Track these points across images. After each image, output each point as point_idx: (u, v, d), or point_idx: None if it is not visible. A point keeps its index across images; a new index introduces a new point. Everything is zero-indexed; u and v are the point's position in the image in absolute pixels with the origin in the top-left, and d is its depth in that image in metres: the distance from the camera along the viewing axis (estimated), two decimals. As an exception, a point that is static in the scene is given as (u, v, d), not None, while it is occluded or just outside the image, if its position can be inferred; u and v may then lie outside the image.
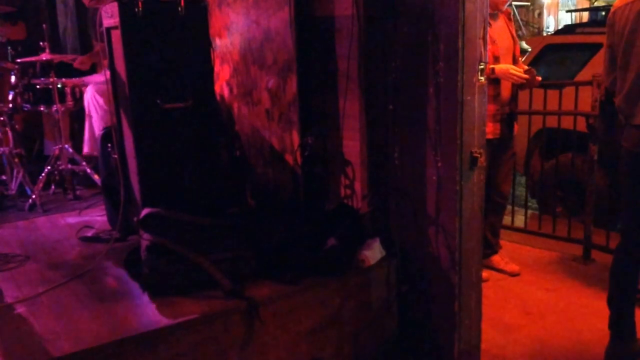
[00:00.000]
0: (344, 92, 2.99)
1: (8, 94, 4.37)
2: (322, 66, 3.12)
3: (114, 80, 3.20)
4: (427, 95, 2.56)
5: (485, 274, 3.26)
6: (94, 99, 4.24)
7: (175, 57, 2.91)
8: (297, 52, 3.11)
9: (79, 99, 4.42)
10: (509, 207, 4.29)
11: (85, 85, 4.42)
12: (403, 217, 2.83)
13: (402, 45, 2.67)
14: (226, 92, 3.90)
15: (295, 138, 3.22)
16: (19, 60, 4.35)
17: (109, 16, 3.01)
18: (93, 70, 4.72)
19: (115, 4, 2.79)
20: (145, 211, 2.74)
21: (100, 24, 3.16)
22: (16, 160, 4.23)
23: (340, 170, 3.12)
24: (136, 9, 2.78)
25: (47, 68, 4.29)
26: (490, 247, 3.80)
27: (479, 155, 2.50)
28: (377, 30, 2.77)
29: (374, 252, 2.77)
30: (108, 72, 3.25)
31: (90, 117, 4.32)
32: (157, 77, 2.88)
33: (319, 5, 3.08)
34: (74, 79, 4.44)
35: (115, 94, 3.21)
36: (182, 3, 2.86)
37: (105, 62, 3.26)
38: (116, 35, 2.96)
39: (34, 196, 4.04)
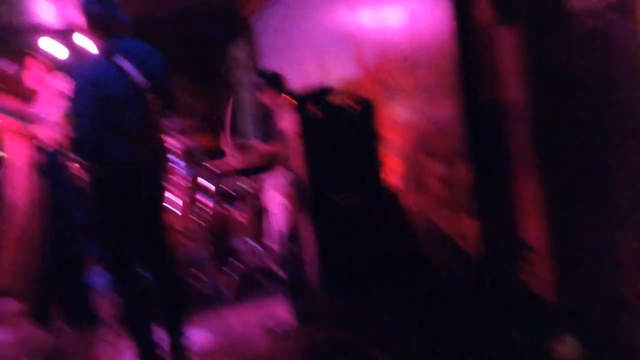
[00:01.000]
0: (519, 175, 2.90)
1: (201, 196, 4.83)
2: (494, 151, 3.07)
3: (294, 179, 3.41)
4: (615, 172, 2.40)
5: None
6: (275, 198, 4.53)
7: (349, 154, 3.06)
8: (467, 138, 3.10)
9: (262, 198, 4.76)
10: None
11: (267, 185, 4.75)
12: (596, 307, 2.60)
13: (580, 123, 2.55)
14: (397, 182, 3.96)
15: (470, 224, 3.16)
16: (210, 166, 4.83)
17: (288, 119, 3.27)
18: (272, 168, 5.08)
19: (293, 110, 3.03)
20: (327, 304, 2.81)
21: (279, 126, 3.44)
22: (208, 256, 4.59)
23: (520, 256, 2.97)
24: (312, 112, 3.01)
25: (233, 172, 4.72)
26: None
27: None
28: (549, 110, 2.68)
29: (565, 347, 2.55)
30: (288, 172, 3.48)
31: (273, 214, 4.61)
32: (333, 174, 3.04)
33: (487, 90, 3.07)
34: (256, 178, 4.82)
35: (295, 192, 3.41)
36: (354, 105, 3.03)
37: (286, 162, 3.51)
38: (293, 138, 3.19)
39: (223, 290, 4.33)
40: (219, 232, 5.52)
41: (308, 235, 3.23)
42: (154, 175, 2.94)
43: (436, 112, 3.33)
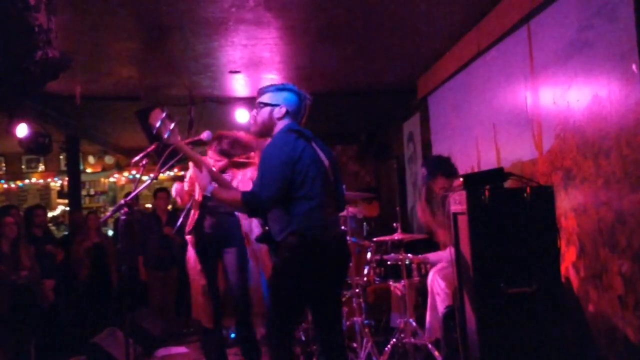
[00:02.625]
0: None
1: (364, 268, 4.87)
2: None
3: (458, 262, 3.33)
4: None
5: None
6: (436, 280, 4.44)
7: (520, 241, 2.94)
8: (657, 235, 2.84)
9: (424, 275, 4.68)
10: None
11: (430, 264, 4.68)
12: None
13: None
14: (572, 275, 3.70)
15: (658, 332, 2.84)
16: (375, 239, 4.87)
17: (457, 203, 3.22)
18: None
19: (464, 192, 2.99)
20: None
21: (448, 208, 3.39)
22: (366, 330, 4.58)
23: None
24: (483, 197, 2.95)
25: (397, 246, 4.70)
26: None
27: None
28: None
29: None
30: (454, 253, 3.40)
31: (433, 294, 4.51)
32: (501, 260, 2.93)
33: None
34: (419, 256, 4.76)
35: (459, 275, 3.32)
36: (528, 190, 2.92)
37: (452, 243, 3.45)
38: (463, 221, 3.13)
39: (377, 364, 4.28)
40: (378, 305, 5.51)
41: (469, 321, 3.10)
42: (344, 245, 3.09)
43: (621, 204, 3.09)
